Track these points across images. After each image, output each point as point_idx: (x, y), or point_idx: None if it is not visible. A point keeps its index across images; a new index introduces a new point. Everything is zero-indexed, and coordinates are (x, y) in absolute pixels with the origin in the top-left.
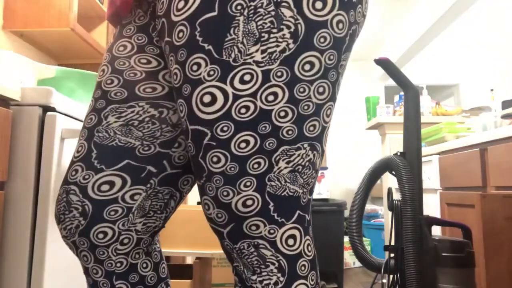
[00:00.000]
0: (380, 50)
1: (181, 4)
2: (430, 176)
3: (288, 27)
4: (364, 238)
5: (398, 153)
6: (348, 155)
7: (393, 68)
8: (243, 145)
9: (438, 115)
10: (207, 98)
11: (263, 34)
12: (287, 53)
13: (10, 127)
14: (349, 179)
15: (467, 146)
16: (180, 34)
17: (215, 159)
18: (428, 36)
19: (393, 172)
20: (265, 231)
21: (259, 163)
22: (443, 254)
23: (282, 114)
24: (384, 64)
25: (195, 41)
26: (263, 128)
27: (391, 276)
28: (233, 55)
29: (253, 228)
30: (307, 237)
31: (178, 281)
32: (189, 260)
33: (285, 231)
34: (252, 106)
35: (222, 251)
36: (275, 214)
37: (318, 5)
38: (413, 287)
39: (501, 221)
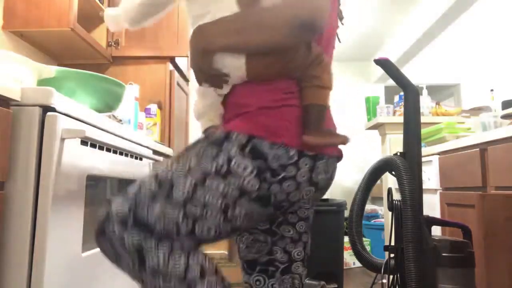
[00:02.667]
0: (380, 50)
1: None
2: (430, 176)
3: None
4: (364, 238)
5: (398, 153)
6: (348, 155)
7: (393, 68)
8: None
9: (438, 115)
10: None
11: (201, 156)
12: (207, 171)
13: (10, 127)
14: (349, 179)
15: (467, 146)
16: None
17: None
18: (428, 36)
19: (393, 172)
20: None
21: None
22: (443, 254)
23: (179, 190)
24: (384, 64)
25: None
26: (165, 187)
27: (391, 276)
28: None
29: None
30: None
31: None
32: None
33: None
34: (166, 174)
35: (222, 251)
36: None
37: (241, 166)
38: (413, 287)
39: (501, 221)
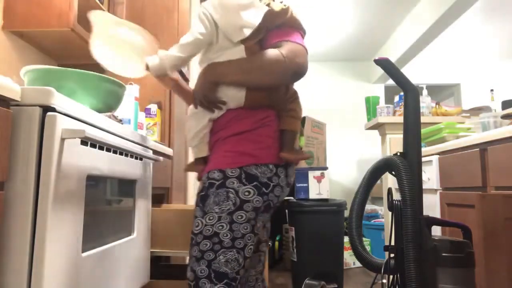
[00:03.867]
0: (380, 50)
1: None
2: (430, 176)
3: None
4: (364, 238)
5: (398, 153)
6: (348, 155)
7: (393, 68)
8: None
9: (438, 115)
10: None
11: (220, 203)
12: (231, 210)
13: (10, 127)
14: (349, 179)
15: (467, 146)
16: None
17: None
18: (428, 36)
19: (393, 172)
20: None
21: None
22: (443, 254)
23: (226, 235)
24: (384, 64)
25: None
26: (215, 241)
27: (391, 276)
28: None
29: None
30: None
31: (178, 281)
32: None
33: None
34: (210, 229)
35: None
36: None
37: (246, 193)
38: (413, 287)
39: (501, 221)
